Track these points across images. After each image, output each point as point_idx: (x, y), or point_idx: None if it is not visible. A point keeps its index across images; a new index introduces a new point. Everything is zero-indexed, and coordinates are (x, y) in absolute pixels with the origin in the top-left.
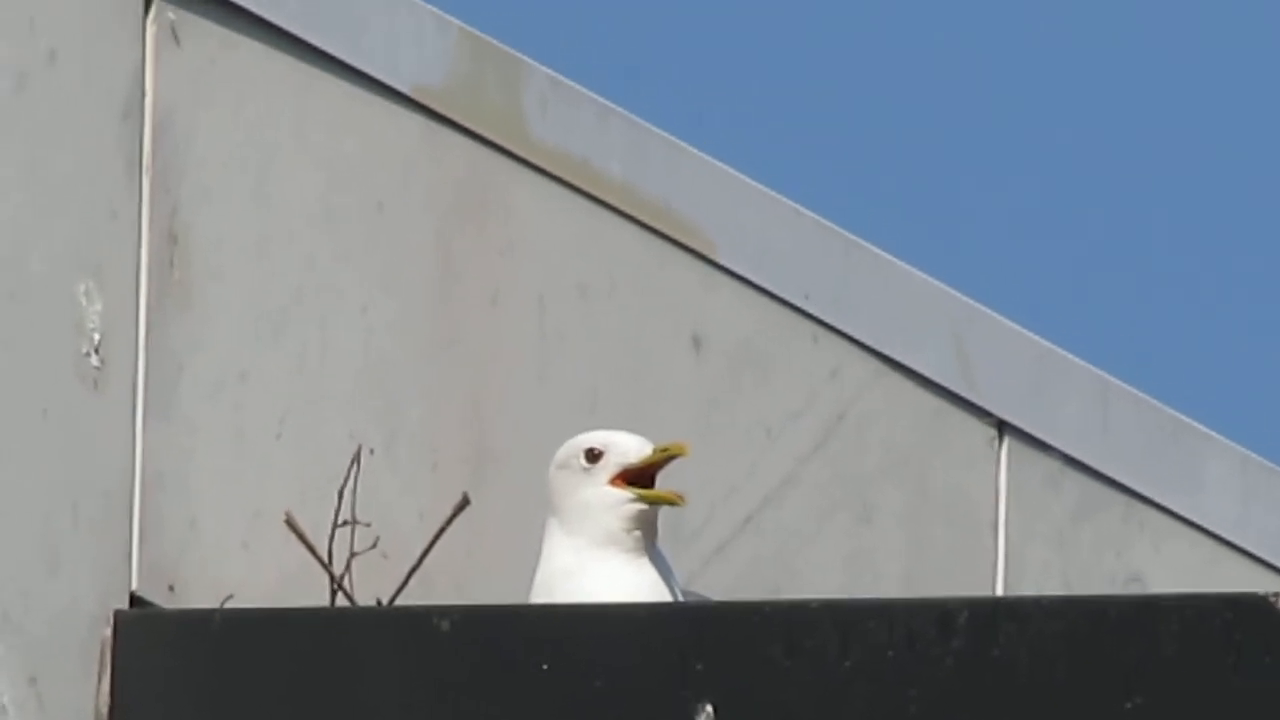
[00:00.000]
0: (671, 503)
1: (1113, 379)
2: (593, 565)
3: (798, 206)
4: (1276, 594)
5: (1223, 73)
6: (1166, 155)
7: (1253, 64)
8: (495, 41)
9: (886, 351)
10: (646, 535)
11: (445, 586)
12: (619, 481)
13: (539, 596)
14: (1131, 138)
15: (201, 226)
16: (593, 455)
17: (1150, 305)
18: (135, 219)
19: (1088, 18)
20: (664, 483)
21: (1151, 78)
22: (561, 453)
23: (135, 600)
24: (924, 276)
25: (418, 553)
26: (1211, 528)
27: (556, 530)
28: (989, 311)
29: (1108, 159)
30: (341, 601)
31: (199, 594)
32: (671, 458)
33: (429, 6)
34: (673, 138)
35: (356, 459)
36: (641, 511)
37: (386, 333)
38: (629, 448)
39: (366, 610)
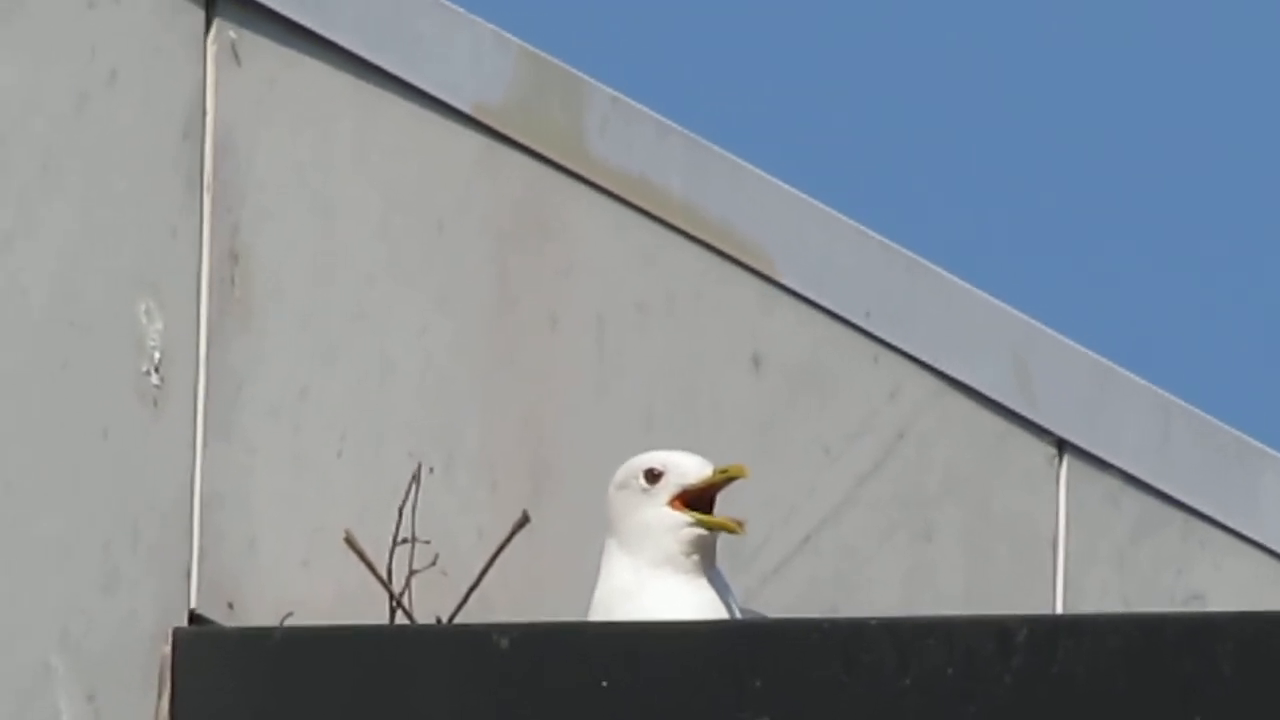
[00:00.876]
0: (731, 530)
1: (1172, 397)
2: (651, 584)
3: (858, 224)
4: None
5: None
6: (1225, 174)
7: None
8: (555, 59)
9: (946, 370)
10: (705, 558)
11: (504, 604)
12: (678, 503)
13: (597, 615)
14: (1189, 155)
15: (262, 245)
16: (652, 476)
17: (1211, 323)
18: (196, 238)
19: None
20: (723, 504)
21: (1221, 87)
22: (621, 473)
23: (194, 618)
24: (983, 295)
25: (477, 571)
26: (1272, 546)
27: (615, 550)
28: (1049, 330)
29: (1168, 176)
30: (401, 619)
31: (258, 612)
32: (731, 479)
33: (489, 25)
34: (732, 156)
35: (416, 477)
36: (700, 536)
37: (445, 352)
38: (688, 469)
39: (425, 628)
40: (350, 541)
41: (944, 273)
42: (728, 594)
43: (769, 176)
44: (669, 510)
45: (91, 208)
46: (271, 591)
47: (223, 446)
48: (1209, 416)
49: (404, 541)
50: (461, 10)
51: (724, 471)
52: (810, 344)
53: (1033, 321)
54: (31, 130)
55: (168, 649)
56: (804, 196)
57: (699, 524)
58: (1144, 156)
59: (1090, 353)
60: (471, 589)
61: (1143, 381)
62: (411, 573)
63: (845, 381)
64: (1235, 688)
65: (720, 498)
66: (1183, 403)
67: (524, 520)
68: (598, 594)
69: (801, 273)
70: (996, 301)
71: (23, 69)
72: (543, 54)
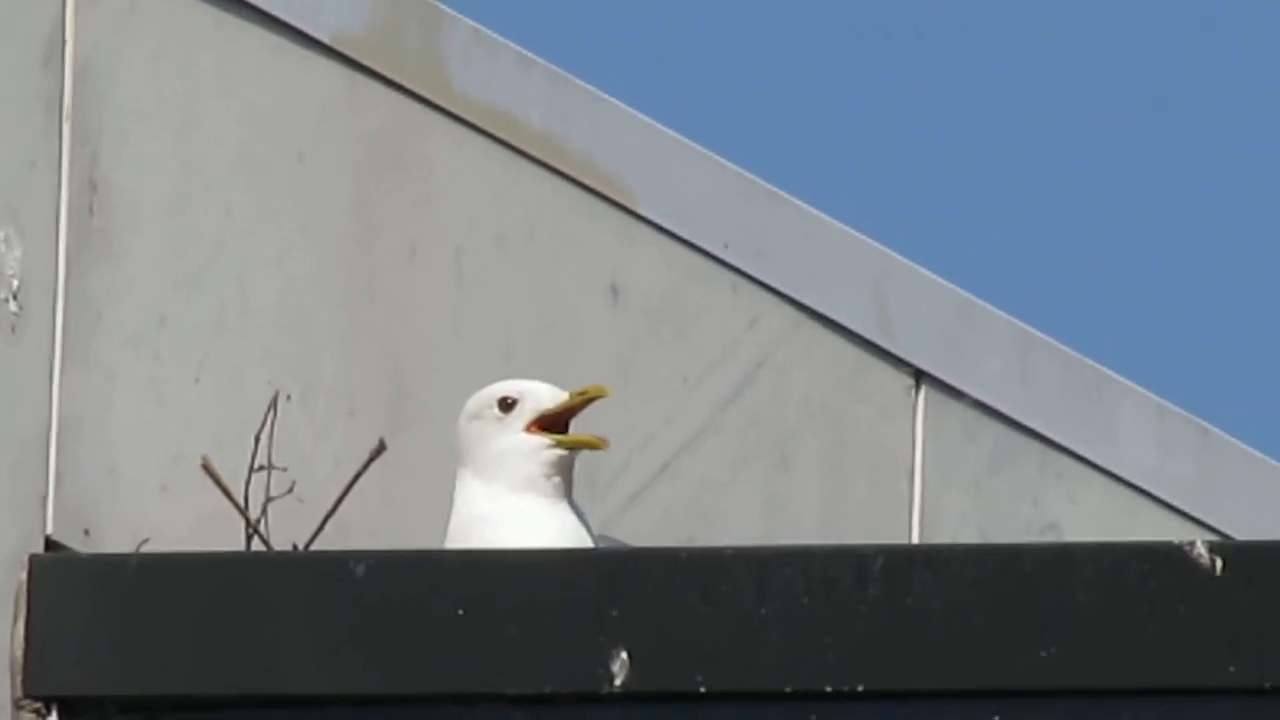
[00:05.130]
0: (595, 446)
1: (1031, 329)
2: (511, 512)
3: (718, 157)
4: (1191, 543)
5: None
6: (1088, 111)
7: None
8: None
9: (805, 301)
10: (564, 481)
11: (360, 532)
12: (535, 429)
13: (454, 543)
14: (1052, 93)
15: (121, 175)
16: (507, 404)
17: (1067, 256)
18: (55, 166)
19: None
20: (583, 429)
21: (1072, 37)
22: (472, 404)
23: (51, 544)
24: (843, 227)
25: (333, 499)
26: (1128, 477)
27: (470, 479)
28: (908, 262)
29: (1028, 113)
30: (257, 546)
31: (115, 539)
32: (590, 400)
33: None
34: (594, 89)
35: (273, 405)
36: (561, 457)
37: (304, 281)
38: (543, 394)
39: (282, 555)
40: (207, 468)
41: (803, 205)
42: (585, 523)
43: (629, 109)
44: (527, 435)
45: None
46: (128, 518)
47: (81, 374)
48: (1067, 349)
49: (261, 469)
50: None
51: (582, 393)
52: (669, 275)
53: (891, 253)
54: None
55: (24, 575)
56: (664, 129)
57: (559, 445)
58: (1001, 89)
59: (949, 284)
60: (327, 516)
61: (1001, 314)
62: (268, 500)
63: (704, 312)
64: (1091, 618)
65: (580, 425)
66: (1041, 335)
67: (380, 449)
68: (453, 522)
69: (661, 204)
70: (855, 233)
71: None
72: None
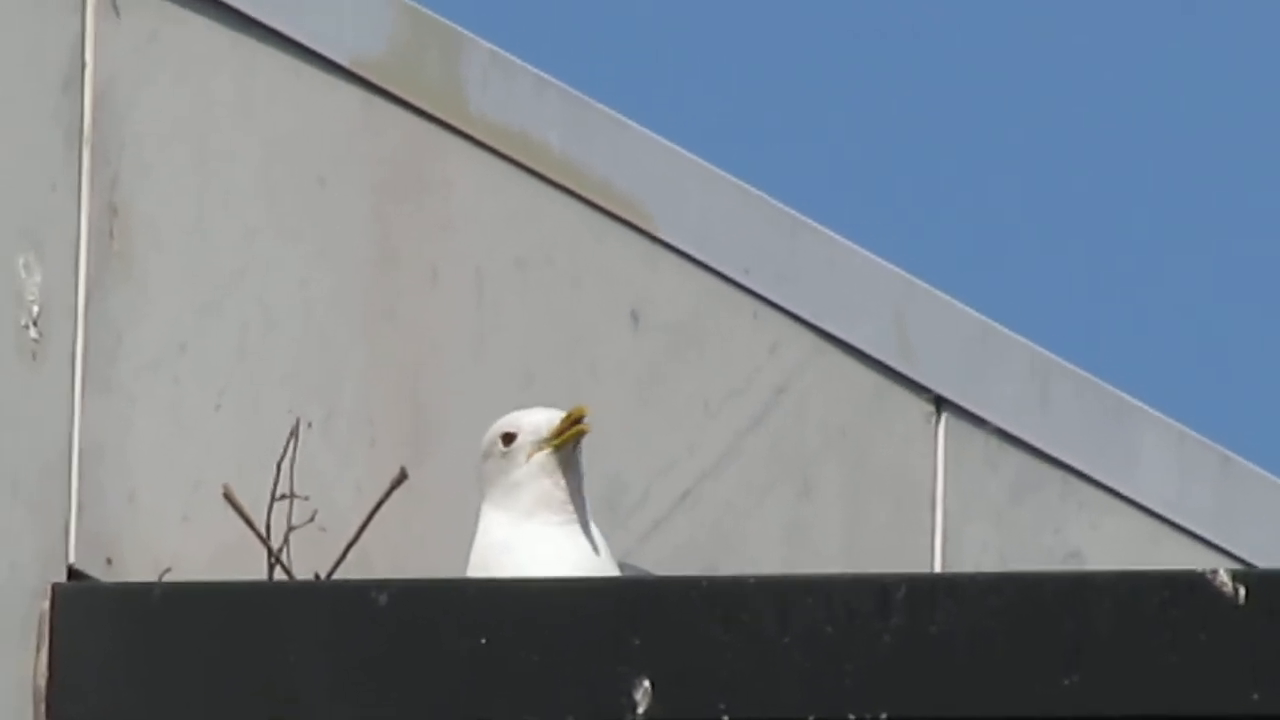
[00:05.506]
0: (579, 427)
1: (1052, 355)
2: (529, 539)
3: (738, 181)
4: (1214, 571)
5: (1152, 51)
6: (1106, 132)
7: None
8: (433, 13)
9: (826, 327)
10: (577, 494)
11: (382, 561)
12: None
13: (475, 571)
14: (1072, 115)
15: (142, 199)
16: (508, 439)
17: (1089, 282)
18: (75, 191)
19: None
20: (600, 457)
21: (1095, 52)
22: (483, 445)
23: (73, 573)
24: (864, 253)
25: (355, 527)
26: (1149, 505)
27: (490, 509)
28: (928, 287)
29: (1049, 137)
30: (279, 575)
31: (137, 567)
32: (575, 421)
33: None
34: (613, 112)
35: (295, 433)
36: (562, 457)
37: (325, 306)
38: (539, 423)
39: (303, 584)
40: (229, 497)
41: (824, 229)
42: (606, 547)
43: (649, 132)
44: (529, 461)
45: None
46: (150, 546)
47: (102, 400)
48: (1088, 375)
49: (282, 497)
50: None
51: (567, 417)
52: (690, 300)
53: (912, 279)
54: None
55: (46, 605)
56: (684, 153)
57: (554, 448)
58: (1023, 113)
59: (970, 310)
60: (350, 545)
61: (1022, 339)
62: (290, 528)
63: (725, 338)
64: (1113, 647)
65: (598, 452)
66: (1062, 361)
67: (402, 477)
68: (475, 550)
69: (681, 229)
70: (876, 259)
71: None
72: (421, 8)
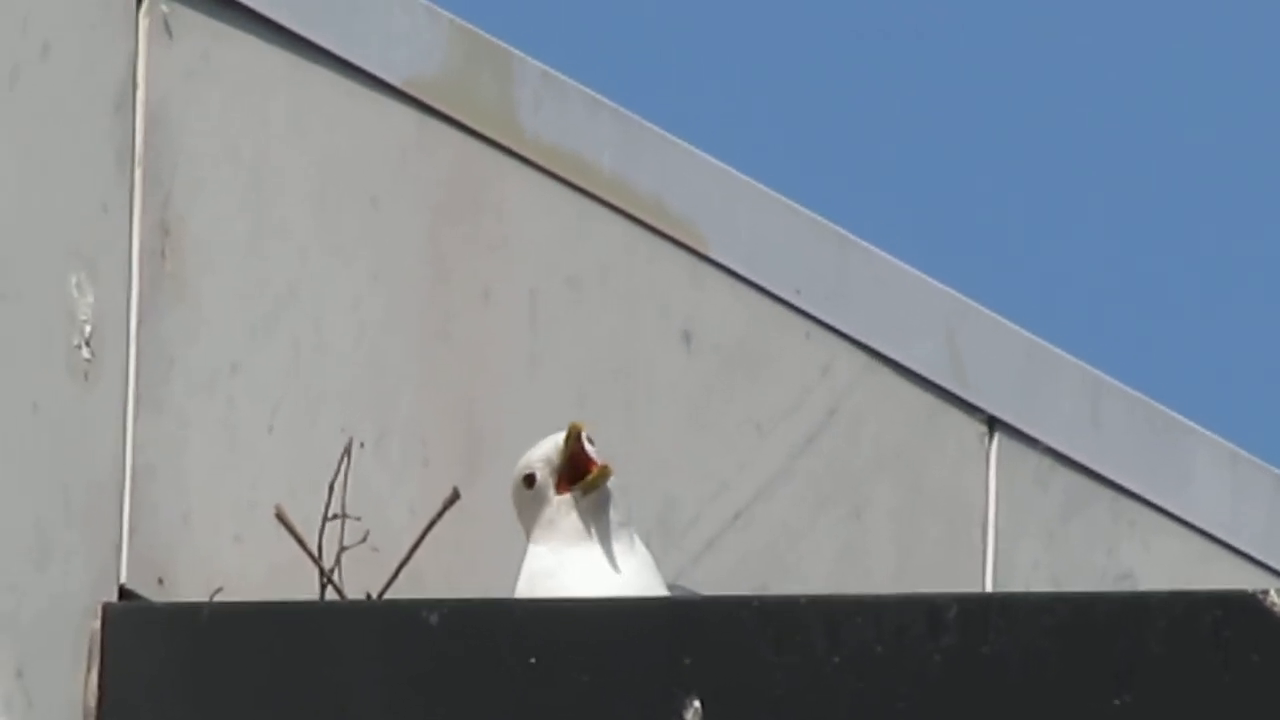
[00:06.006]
0: (604, 476)
1: (1104, 375)
2: (574, 563)
3: (790, 201)
4: (1265, 591)
5: (1216, 71)
6: (1159, 152)
7: (1247, 63)
8: (486, 34)
9: (878, 347)
10: (607, 522)
11: (435, 581)
12: (563, 487)
13: (522, 596)
14: (1124, 134)
15: (194, 219)
16: (529, 481)
17: (1141, 301)
18: (127, 211)
19: (1091, 14)
20: (654, 479)
21: (1148, 71)
22: (511, 495)
23: (125, 593)
24: (916, 272)
25: (407, 547)
26: (1202, 525)
27: (534, 544)
28: (980, 307)
29: (1101, 156)
30: (331, 595)
31: (189, 587)
32: (575, 438)
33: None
34: (664, 132)
35: (347, 452)
36: (589, 501)
37: (378, 326)
38: (548, 454)
39: (356, 604)
40: (281, 517)
41: (875, 249)
42: (653, 570)
43: (700, 152)
44: (559, 497)
45: (23, 181)
46: (202, 566)
47: (154, 420)
48: (1140, 395)
49: (335, 517)
50: None
51: (568, 435)
52: (741, 320)
53: (964, 299)
54: None
55: (98, 624)
56: (735, 173)
57: (583, 492)
58: (1074, 133)
59: (1022, 330)
60: (401, 565)
61: (1074, 359)
62: (342, 548)
63: (776, 358)
64: (1165, 666)
65: (647, 470)
66: (1114, 381)
67: (454, 497)
68: (521, 578)
69: (733, 249)
70: (928, 279)
71: None
72: (474, 29)
